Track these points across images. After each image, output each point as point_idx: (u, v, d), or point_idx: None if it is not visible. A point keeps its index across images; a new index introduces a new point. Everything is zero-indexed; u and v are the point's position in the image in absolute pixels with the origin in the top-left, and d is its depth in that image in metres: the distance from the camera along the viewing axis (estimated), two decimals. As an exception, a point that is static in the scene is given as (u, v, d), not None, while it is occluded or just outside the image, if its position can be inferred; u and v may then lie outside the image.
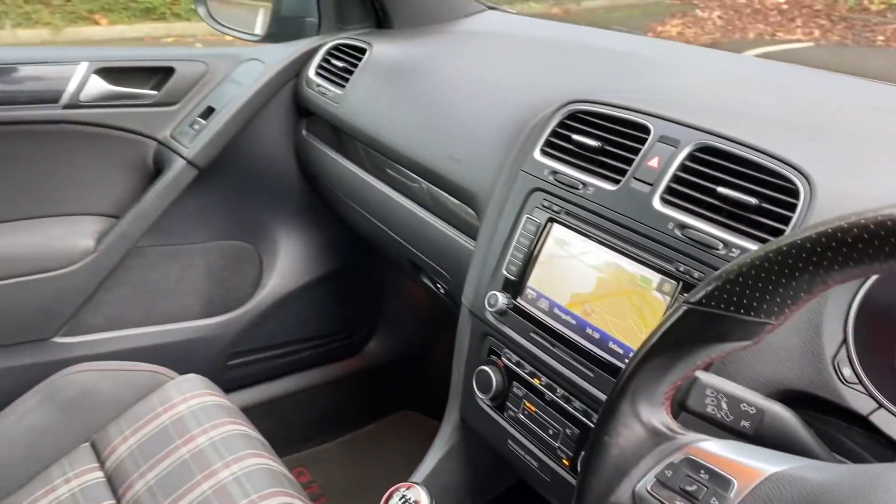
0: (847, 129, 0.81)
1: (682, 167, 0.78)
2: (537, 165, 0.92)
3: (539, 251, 0.88)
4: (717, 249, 0.71)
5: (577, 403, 0.82)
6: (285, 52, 1.45)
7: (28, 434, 1.11)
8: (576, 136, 0.89)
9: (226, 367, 1.55)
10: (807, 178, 0.68)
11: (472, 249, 1.00)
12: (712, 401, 0.53)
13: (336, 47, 1.42)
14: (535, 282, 0.88)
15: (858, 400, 0.61)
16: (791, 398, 0.64)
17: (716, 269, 0.49)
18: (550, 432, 0.85)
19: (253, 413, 1.16)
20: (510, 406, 0.91)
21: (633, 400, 0.53)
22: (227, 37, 1.61)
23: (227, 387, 1.21)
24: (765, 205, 0.70)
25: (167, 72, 1.39)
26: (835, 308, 0.63)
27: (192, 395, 1.11)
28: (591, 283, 0.82)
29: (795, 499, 0.44)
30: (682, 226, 0.74)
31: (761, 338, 0.48)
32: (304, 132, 1.49)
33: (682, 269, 0.73)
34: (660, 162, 0.79)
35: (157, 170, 1.40)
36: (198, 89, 1.42)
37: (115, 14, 6.01)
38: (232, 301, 1.55)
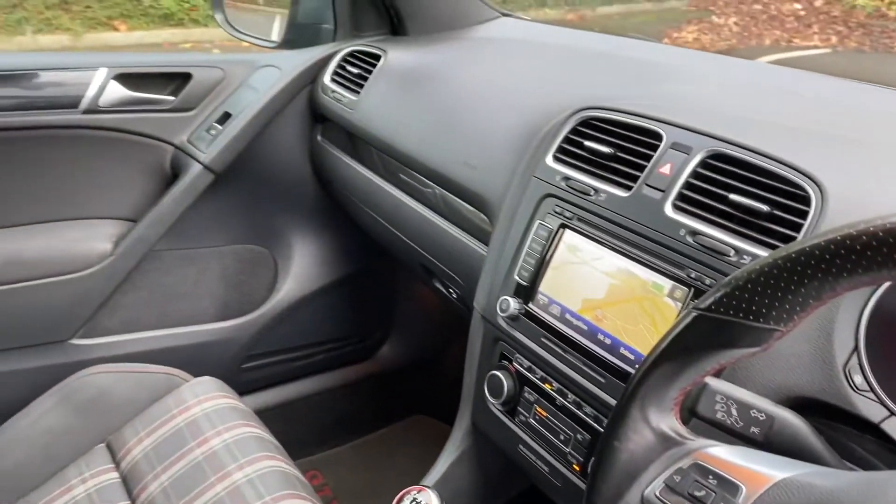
0: (860, 136, 0.81)
1: (694, 174, 0.78)
2: (550, 171, 0.92)
3: (551, 257, 0.88)
4: (729, 256, 0.71)
5: (588, 409, 0.82)
6: (301, 59, 1.46)
7: (45, 434, 1.12)
8: (588, 143, 0.89)
9: (240, 369, 1.56)
10: (818, 186, 0.68)
11: (485, 255, 1.01)
12: (722, 407, 0.53)
13: (351, 54, 1.43)
14: (546, 287, 0.88)
15: (870, 407, 0.61)
16: (802, 405, 0.64)
17: (727, 275, 0.50)
18: (562, 437, 0.85)
19: (266, 416, 1.17)
20: (521, 411, 0.91)
21: (643, 405, 0.53)
22: (244, 43, 1.62)
23: (242, 389, 1.22)
24: (776, 212, 0.70)
25: (185, 77, 1.41)
26: (846, 315, 0.63)
27: (206, 397, 1.13)
28: (603, 289, 0.82)
29: None
30: (694, 232, 0.74)
31: (770, 344, 0.49)
32: (319, 138, 1.50)
33: (693, 275, 0.73)
34: (672, 169, 0.80)
35: (175, 174, 1.42)
36: (215, 95, 1.43)
37: (134, 20, 6.07)
38: (247, 304, 1.56)
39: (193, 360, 1.36)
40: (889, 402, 0.60)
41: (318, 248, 1.62)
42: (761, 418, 0.52)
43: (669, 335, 0.52)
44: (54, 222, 1.36)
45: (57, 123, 1.31)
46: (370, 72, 1.36)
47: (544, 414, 0.88)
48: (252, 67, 1.47)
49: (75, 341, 1.38)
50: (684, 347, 0.51)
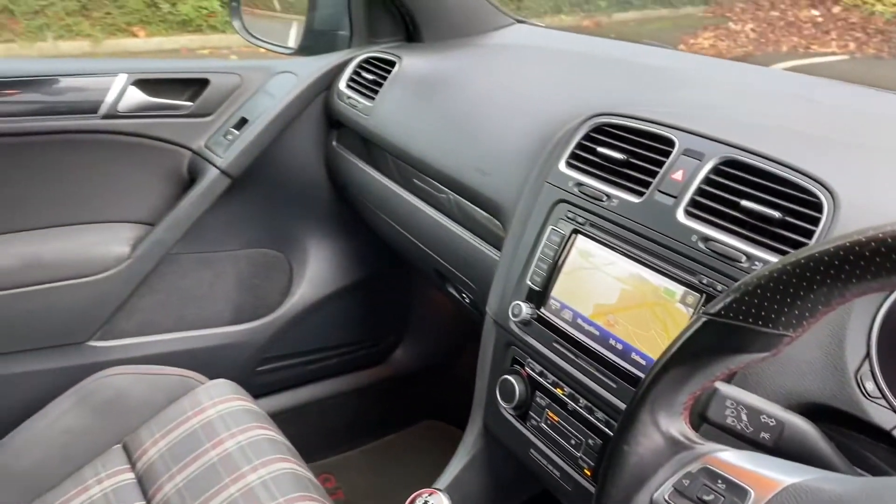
0: (874, 143, 0.81)
1: (707, 180, 0.78)
2: (562, 177, 0.92)
3: (563, 262, 0.89)
4: (741, 262, 0.71)
5: (599, 414, 0.82)
6: (317, 65, 1.48)
7: (63, 435, 1.14)
8: (601, 149, 0.90)
9: (255, 372, 1.57)
10: (830, 192, 0.69)
11: (497, 260, 1.01)
12: (732, 412, 0.54)
13: (366, 60, 1.45)
14: (558, 292, 0.89)
15: (881, 414, 0.61)
16: (814, 412, 0.64)
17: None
18: (573, 442, 0.85)
19: (280, 418, 1.18)
20: (533, 415, 0.91)
21: (653, 409, 0.53)
22: (261, 49, 1.64)
23: (256, 392, 1.23)
24: (788, 218, 0.70)
25: (202, 83, 1.42)
26: (858, 322, 0.63)
27: (221, 399, 1.14)
28: (615, 295, 0.83)
29: None
30: (706, 238, 0.75)
31: (779, 350, 0.49)
32: (334, 143, 1.51)
33: (705, 281, 0.74)
34: (684, 175, 0.80)
35: (192, 179, 1.43)
36: (232, 101, 1.45)
37: (153, 26, 6.13)
38: (262, 308, 1.57)
39: (209, 363, 1.37)
40: (900, 409, 0.60)
41: (333, 252, 1.63)
42: (771, 424, 0.52)
43: (679, 340, 0.52)
44: (73, 226, 1.37)
45: (77, 128, 1.32)
46: (385, 78, 1.37)
47: (556, 419, 0.88)
48: (269, 73, 1.48)
49: (93, 343, 1.39)
50: (694, 352, 0.52)
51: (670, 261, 0.77)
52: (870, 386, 0.62)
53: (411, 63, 1.37)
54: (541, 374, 0.90)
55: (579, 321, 0.86)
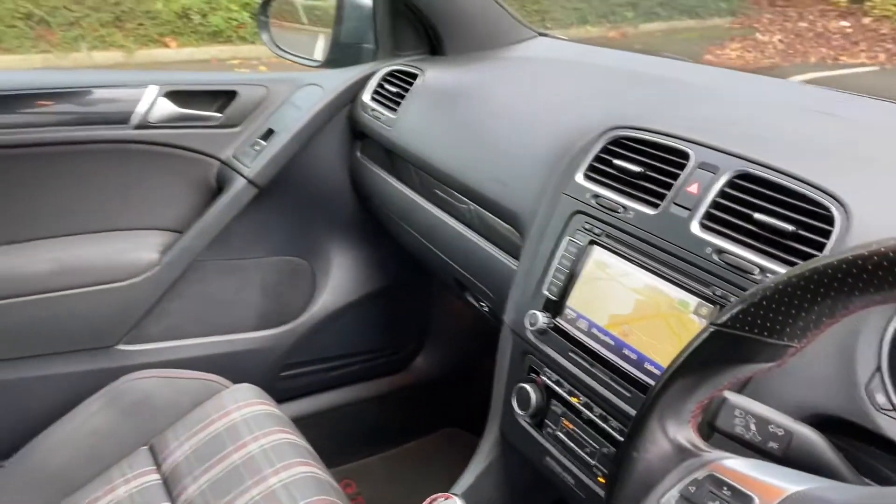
0: (889, 157, 0.81)
1: (721, 193, 0.79)
2: (580, 189, 0.94)
3: (580, 272, 0.90)
4: (754, 274, 0.72)
5: (613, 422, 0.83)
6: (342, 78, 1.50)
7: (91, 436, 1.16)
8: (618, 161, 0.91)
9: (278, 377, 1.59)
10: (843, 206, 0.69)
11: (515, 269, 1.03)
12: (741, 421, 0.54)
13: (390, 73, 1.47)
14: (574, 302, 0.90)
15: (892, 427, 0.61)
16: (825, 423, 0.64)
17: None
18: (587, 450, 0.87)
19: (302, 424, 1.19)
20: (549, 423, 0.93)
21: (661, 417, 0.54)
22: (288, 61, 1.67)
23: (279, 397, 1.25)
24: (801, 231, 0.71)
25: (230, 95, 1.45)
26: (869, 335, 0.64)
27: (245, 403, 1.16)
28: (630, 305, 0.84)
29: None
30: (720, 251, 0.76)
31: (785, 360, 0.50)
32: (358, 154, 1.53)
33: (718, 293, 0.75)
34: (699, 188, 0.81)
35: (220, 188, 1.46)
36: (259, 112, 1.47)
37: (185, 37, 6.23)
38: (286, 314, 1.59)
39: (233, 368, 1.39)
40: (911, 422, 0.60)
41: (356, 260, 1.64)
42: (780, 433, 0.53)
43: (687, 350, 0.53)
44: (105, 232, 1.40)
45: (109, 138, 1.35)
46: (408, 90, 1.39)
47: (571, 427, 0.89)
48: (295, 86, 1.50)
49: (121, 347, 1.42)
50: (701, 362, 0.53)
51: (685, 272, 0.78)
52: (880, 398, 0.62)
53: (433, 76, 1.39)
54: (557, 382, 0.91)
55: (595, 331, 0.87)
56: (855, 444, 0.64)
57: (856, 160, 0.81)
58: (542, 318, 0.91)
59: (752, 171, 0.78)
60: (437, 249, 1.32)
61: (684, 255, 0.79)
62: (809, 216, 0.71)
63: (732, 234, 0.76)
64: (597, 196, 0.91)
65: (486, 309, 1.25)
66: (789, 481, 0.48)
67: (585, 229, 0.91)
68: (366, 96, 1.47)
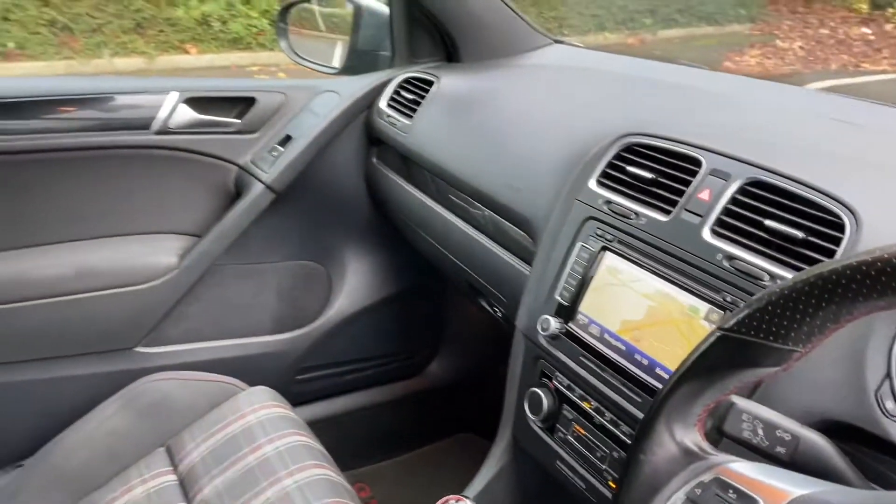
0: None
1: (732, 200, 0.79)
2: (592, 195, 0.95)
3: (592, 278, 0.91)
4: (763, 281, 0.72)
5: (624, 427, 0.84)
6: (359, 85, 1.51)
7: (109, 436, 1.18)
8: (630, 168, 0.92)
9: (293, 381, 1.60)
10: (853, 213, 0.70)
11: (528, 275, 1.03)
12: (748, 426, 0.55)
13: (406, 80, 1.48)
14: (586, 308, 0.90)
15: (901, 433, 0.62)
16: (834, 429, 0.64)
17: None
18: (598, 455, 0.87)
19: (317, 427, 1.20)
20: (560, 428, 0.93)
21: (668, 420, 0.55)
22: (306, 68, 1.69)
23: (294, 400, 1.26)
24: (811, 238, 0.71)
25: (249, 102, 1.46)
26: (878, 341, 0.64)
27: (260, 406, 1.17)
28: (642, 311, 0.84)
29: None
30: (731, 257, 0.76)
31: (790, 365, 0.51)
32: (374, 160, 1.55)
33: (729, 299, 0.75)
34: (710, 195, 0.81)
35: (238, 193, 1.47)
36: (277, 118, 1.49)
37: (205, 44, 6.30)
38: (301, 318, 1.60)
39: (250, 370, 1.40)
40: (920, 428, 0.61)
41: (371, 265, 1.65)
42: (787, 438, 0.53)
43: (694, 354, 0.54)
44: (125, 236, 1.42)
45: (130, 143, 1.37)
46: (423, 97, 1.40)
47: (582, 431, 0.90)
48: (313, 92, 1.52)
49: (140, 349, 1.43)
50: (708, 366, 0.54)
51: (695, 278, 0.79)
52: (890, 405, 0.63)
53: (448, 83, 1.40)
54: (568, 387, 0.92)
55: (606, 336, 0.87)
56: (863, 449, 0.64)
57: (868, 167, 0.81)
58: (554, 324, 0.92)
59: (763, 178, 0.78)
60: (452, 255, 1.32)
61: (695, 262, 0.79)
62: (820, 223, 0.72)
63: (743, 241, 0.76)
64: (609, 202, 0.92)
65: (500, 314, 1.25)
66: (794, 484, 0.49)
67: (598, 235, 0.92)
68: (382, 103, 1.48)
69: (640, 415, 0.81)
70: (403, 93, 1.46)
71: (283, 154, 1.44)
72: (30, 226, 1.34)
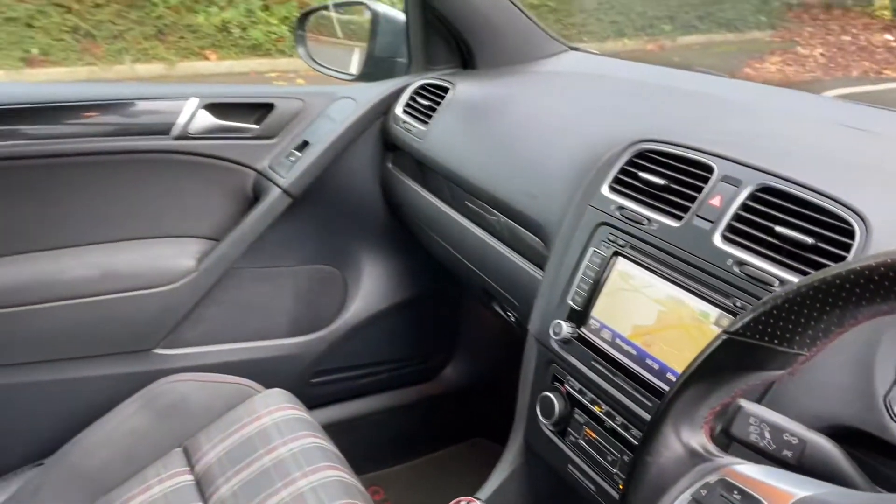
0: None
1: (743, 206, 0.80)
2: (605, 201, 0.95)
3: (604, 283, 0.91)
4: (773, 286, 0.73)
5: (635, 431, 0.84)
6: (375, 91, 1.53)
7: (128, 436, 1.19)
8: (643, 174, 0.92)
9: (309, 384, 1.62)
10: (863, 219, 0.70)
11: (541, 279, 1.04)
12: (755, 429, 0.55)
13: (422, 86, 1.49)
14: (598, 312, 0.91)
15: (910, 438, 0.62)
16: (843, 434, 0.65)
17: None
18: (609, 458, 0.88)
19: (332, 430, 1.21)
20: (571, 431, 0.94)
21: (675, 422, 0.56)
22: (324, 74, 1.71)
23: (310, 403, 1.27)
24: (821, 244, 0.72)
25: (267, 108, 1.48)
26: (887, 347, 0.64)
27: (276, 408, 1.18)
28: (653, 316, 0.85)
29: None
30: (741, 262, 0.76)
31: (795, 368, 0.51)
32: (389, 165, 1.56)
33: (739, 304, 0.75)
34: (721, 201, 0.82)
35: (256, 197, 1.49)
36: (295, 124, 1.50)
37: (224, 50, 6.36)
38: (317, 322, 1.62)
39: (266, 373, 1.41)
40: (929, 434, 0.61)
41: (386, 269, 1.66)
42: (794, 442, 0.54)
43: (700, 357, 0.55)
44: (145, 239, 1.44)
45: (151, 148, 1.39)
46: (439, 103, 1.41)
47: (593, 435, 0.90)
48: (330, 99, 1.54)
49: (159, 351, 1.45)
50: (714, 369, 0.54)
51: (706, 284, 0.79)
52: (898, 410, 0.63)
53: (464, 89, 1.41)
54: (580, 391, 0.93)
55: (618, 341, 0.88)
56: (872, 454, 0.64)
57: (880, 174, 0.81)
58: (566, 328, 0.93)
59: (773, 184, 0.79)
60: (466, 259, 1.33)
61: (706, 267, 0.80)
62: (830, 229, 0.72)
63: (753, 247, 0.77)
64: (622, 208, 0.93)
65: (513, 319, 1.26)
66: (797, 486, 0.49)
67: (610, 240, 0.92)
68: (398, 109, 1.50)
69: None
70: (419, 99, 1.47)
71: (300, 159, 1.46)
72: (54, 228, 1.37)
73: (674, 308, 0.82)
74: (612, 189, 0.96)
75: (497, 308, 1.33)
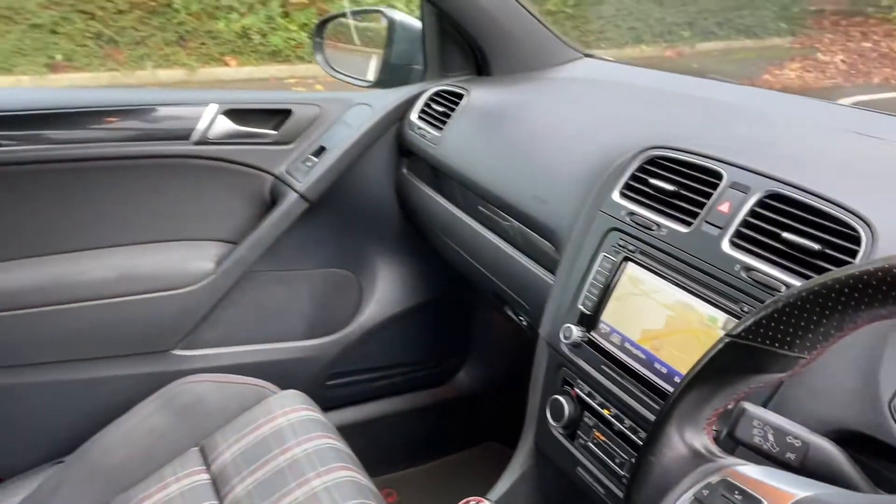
0: None
1: (751, 212, 0.81)
2: (615, 206, 0.96)
3: (614, 288, 0.92)
4: (780, 291, 0.73)
5: (643, 434, 0.85)
6: (391, 97, 1.55)
7: (146, 436, 1.21)
8: (653, 180, 0.93)
9: (324, 386, 1.63)
10: (869, 226, 0.71)
11: (552, 283, 1.05)
12: (759, 432, 0.56)
13: (437, 93, 1.51)
14: (608, 317, 0.92)
15: (914, 443, 0.62)
16: (847, 438, 0.65)
17: None
18: (617, 461, 0.88)
19: (346, 432, 1.22)
20: (581, 434, 0.95)
21: (678, 423, 0.57)
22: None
23: (324, 405, 1.28)
24: (827, 250, 0.72)
25: (285, 114, 1.50)
26: (893, 352, 0.65)
27: (291, 409, 1.19)
28: (662, 321, 0.86)
29: None
30: (748, 268, 0.77)
31: (796, 371, 0.52)
32: (404, 170, 1.58)
33: (746, 309, 0.76)
34: (730, 207, 0.83)
35: (273, 202, 1.51)
36: (312, 130, 1.52)
37: (244, 56, 6.42)
38: (332, 325, 1.63)
39: (281, 374, 1.42)
40: (934, 439, 0.61)
41: (401, 274, 1.68)
42: (797, 444, 0.55)
43: (703, 359, 0.56)
44: (164, 242, 1.47)
45: (171, 153, 1.42)
46: (453, 110, 1.43)
47: (602, 438, 0.91)
48: (346, 105, 1.56)
49: (177, 352, 1.48)
50: (717, 371, 0.55)
51: (714, 289, 0.80)
52: (903, 415, 0.63)
53: (478, 96, 1.43)
54: (589, 394, 0.94)
55: (627, 345, 0.89)
56: (877, 458, 0.65)
57: (889, 181, 0.82)
58: (576, 332, 0.94)
59: (781, 191, 0.79)
60: (479, 264, 1.34)
61: (714, 273, 0.81)
62: (836, 235, 0.73)
63: (761, 253, 0.78)
64: (632, 214, 0.93)
65: (524, 323, 1.27)
66: (798, 487, 0.50)
67: (620, 246, 0.93)
68: (413, 115, 1.51)
69: (659, 422, 0.83)
70: (434, 105, 1.49)
71: (317, 164, 1.48)
72: (76, 231, 1.39)
73: (682, 313, 0.83)
74: (623, 195, 0.97)
75: (509, 312, 1.34)
